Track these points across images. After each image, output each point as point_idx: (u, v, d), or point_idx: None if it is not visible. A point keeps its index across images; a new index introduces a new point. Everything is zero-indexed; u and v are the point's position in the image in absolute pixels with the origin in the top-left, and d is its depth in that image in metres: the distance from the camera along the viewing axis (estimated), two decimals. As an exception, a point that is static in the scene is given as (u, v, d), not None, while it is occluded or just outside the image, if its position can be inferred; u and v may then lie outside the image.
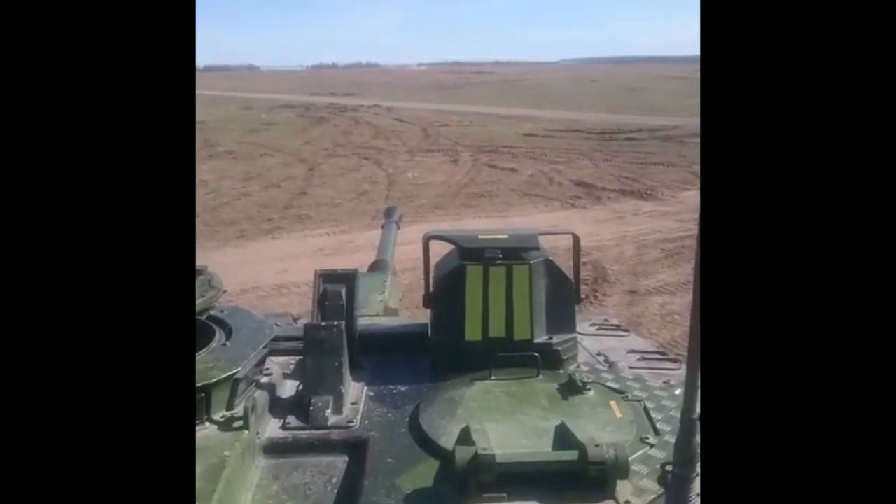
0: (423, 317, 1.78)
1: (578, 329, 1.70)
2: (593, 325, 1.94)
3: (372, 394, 1.51)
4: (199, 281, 1.43)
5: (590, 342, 1.79)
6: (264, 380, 1.46)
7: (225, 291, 1.58)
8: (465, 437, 1.20)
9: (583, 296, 1.74)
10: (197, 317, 1.45)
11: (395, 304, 2.53)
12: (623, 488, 1.14)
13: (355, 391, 1.50)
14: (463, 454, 1.12)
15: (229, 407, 1.28)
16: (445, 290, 1.61)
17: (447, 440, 1.25)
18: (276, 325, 1.59)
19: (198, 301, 1.40)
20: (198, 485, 1.05)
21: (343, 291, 1.60)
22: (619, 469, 1.12)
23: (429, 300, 1.67)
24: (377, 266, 2.78)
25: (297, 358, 1.62)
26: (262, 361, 1.45)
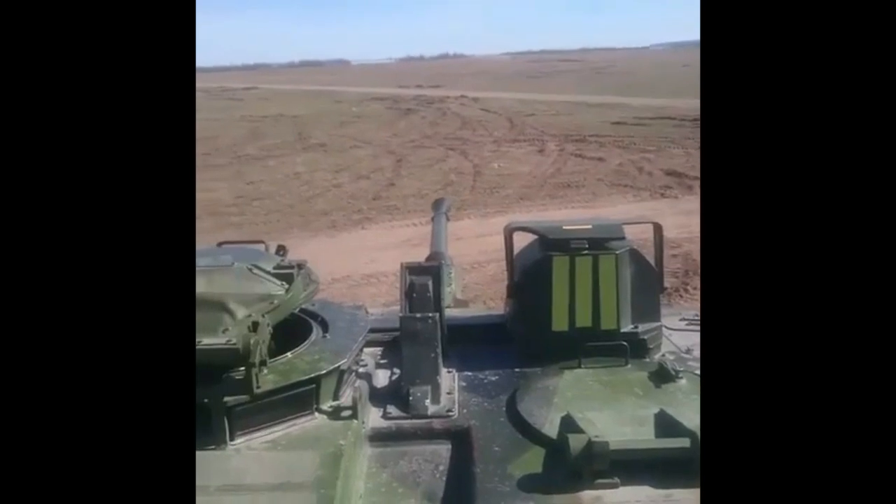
0: (497, 307, 1.80)
1: (668, 323, 1.68)
2: (683, 319, 1.91)
3: (464, 384, 1.56)
4: (300, 275, 1.50)
5: (678, 338, 1.77)
6: (361, 370, 1.53)
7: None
8: (568, 425, 1.21)
9: (671, 288, 1.73)
10: (294, 312, 1.51)
11: (459, 295, 2.55)
12: None
13: (448, 381, 1.54)
14: (576, 442, 1.13)
15: (335, 397, 1.35)
16: (531, 281, 1.64)
17: (550, 428, 1.27)
18: None
19: (301, 296, 1.45)
20: (319, 473, 1.12)
21: (430, 283, 1.65)
22: None
23: (512, 290, 1.70)
24: (433, 258, 2.79)
25: (382, 348, 1.70)
26: (359, 352, 1.52)
